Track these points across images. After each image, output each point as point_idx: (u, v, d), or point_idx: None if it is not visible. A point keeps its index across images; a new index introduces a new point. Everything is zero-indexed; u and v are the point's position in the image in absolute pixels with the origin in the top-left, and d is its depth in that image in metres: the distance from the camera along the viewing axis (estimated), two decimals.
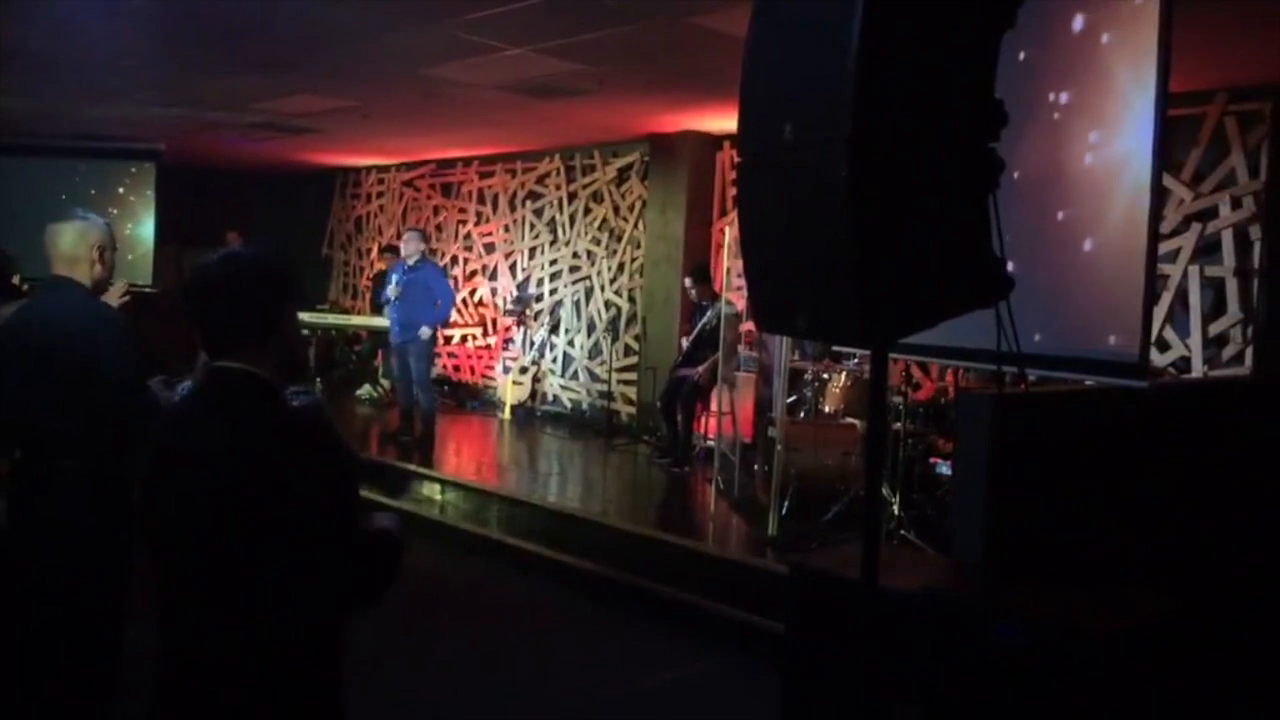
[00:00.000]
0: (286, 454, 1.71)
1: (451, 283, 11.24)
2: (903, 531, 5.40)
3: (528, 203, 11.02)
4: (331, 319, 11.22)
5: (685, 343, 8.05)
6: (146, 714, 1.79)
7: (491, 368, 11.44)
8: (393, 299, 8.35)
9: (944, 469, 6.05)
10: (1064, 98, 3.51)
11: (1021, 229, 3.47)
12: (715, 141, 9.24)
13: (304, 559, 1.70)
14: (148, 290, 11.12)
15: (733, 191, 8.92)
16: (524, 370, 10.55)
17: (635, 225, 9.89)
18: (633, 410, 9.79)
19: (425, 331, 8.22)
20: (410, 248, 8.32)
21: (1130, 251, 3.26)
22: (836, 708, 2.66)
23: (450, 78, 7.33)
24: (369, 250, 13.17)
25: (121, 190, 11.31)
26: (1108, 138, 3.37)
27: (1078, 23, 3.46)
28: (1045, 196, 3.53)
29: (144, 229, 11.28)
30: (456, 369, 11.88)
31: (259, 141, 10.83)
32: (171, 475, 1.76)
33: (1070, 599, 2.54)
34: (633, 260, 9.91)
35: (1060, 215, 3.53)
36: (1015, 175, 3.58)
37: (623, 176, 10.06)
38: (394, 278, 8.43)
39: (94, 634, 2.99)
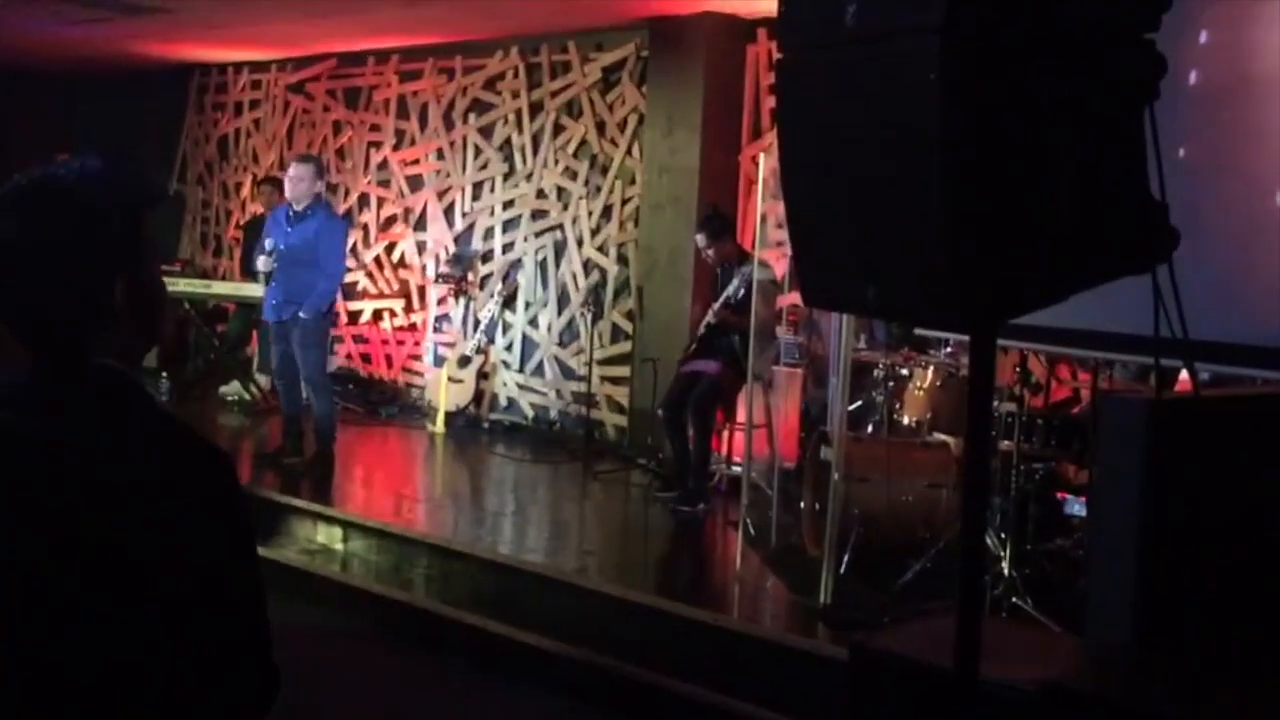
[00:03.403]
0: (185, 483, 1.69)
1: (356, 238, 11.24)
2: (1015, 599, 5.41)
3: (471, 117, 11.00)
4: (184, 286, 11.20)
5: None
6: None
7: (418, 357, 11.43)
8: (263, 270, 8.29)
9: (1076, 508, 6.06)
10: None
11: (1191, 164, 3.47)
12: (745, 27, 9.23)
13: (189, 645, 1.66)
14: None
15: (771, 102, 8.91)
16: (464, 362, 10.56)
17: (628, 151, 9.89)
18: (623, 421, 9.80)
19: (306, 316, 8.17)
20: (299, 187, 8.25)
21: None
22: None
23: None
24: (239, 186, 13.16)
25: None
26: None
27: None
28: (1227, 118, 3.54)
29: None
30: (366, 359, 11.87)
31: (77, 25, 10.79)
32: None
33: (1256, 699, 2.55)
34: (625, 202, 9.92)
35: (1249, 147, 3.53)
36: (1184, 83, 3.58)
37: (610, 80, 10.05)
38: (269, 238, 8.34)
39: None
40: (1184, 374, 4.57)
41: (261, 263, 8.31)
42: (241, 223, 12.65)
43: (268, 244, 8.32)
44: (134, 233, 1.78)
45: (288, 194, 8.34)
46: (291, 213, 8.28)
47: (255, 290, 9.62)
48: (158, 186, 1.81)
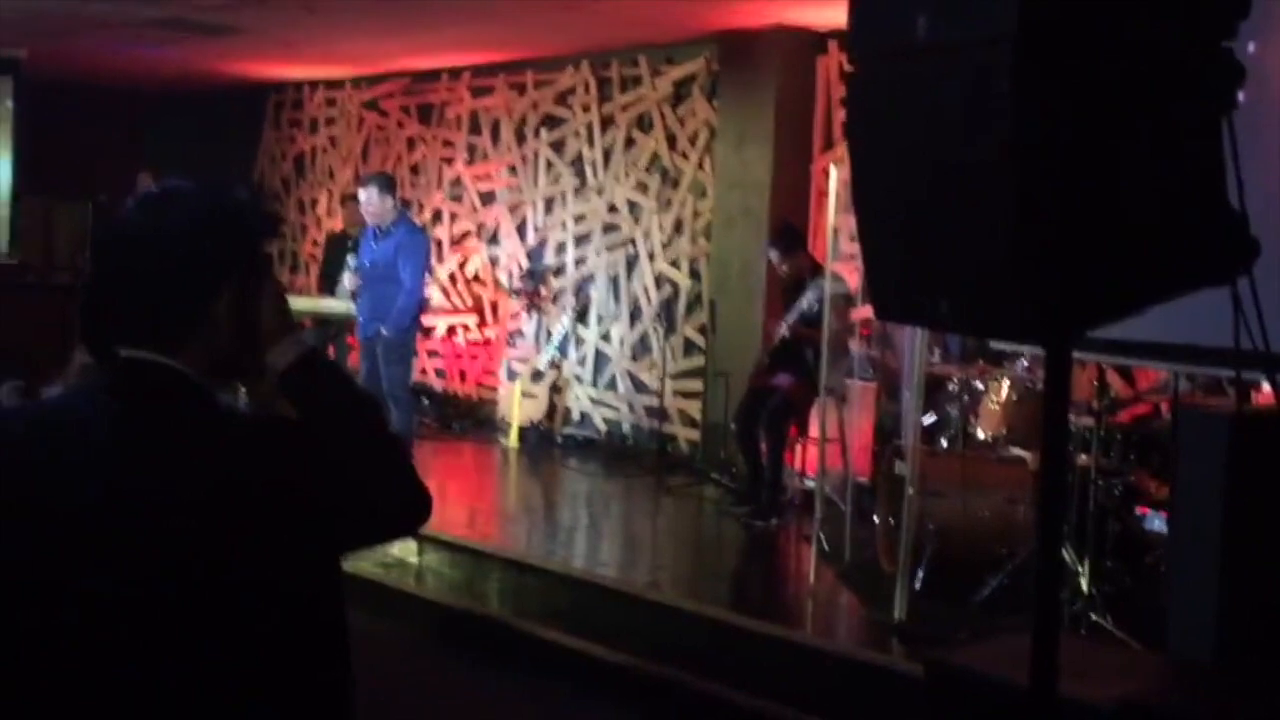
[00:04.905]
0: (252, 479, 1.77)
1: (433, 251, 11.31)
2: (1094, 615, 5.35)
3: (542, 132, 11.07)
4: None
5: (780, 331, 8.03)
6: None
7: (492, 372, 11.50)
8: (350, 287, 8.36)
9: (1156, 524, 5.98)
10: None
11: (1272, 169, 3.41)
12: (816, 39, 9.22)
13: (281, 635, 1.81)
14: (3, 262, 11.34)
15: (842, 115, 8.87)
16: (538, 376, 10.61)
17: (699, 164, 9.90)
18: (696, 435, 9.79)
19: (388, 332, 8.23)
20: (370, 211, 8.27)
21: None
22: None
23: None
24: (315, 202, 13.32)
25: None
26: None
27: None
28: None
29: None
30: (440, 374, 11.96)
31: (158, 47, 10.99)
32: (51, 517, 1.73)
33: None
34: (695, 216, 9.93)
35: None
36: (1261, 92, 3.53)
37: (681, 93, 10.07)
38: (351, 259, 8.41)
39: None
40: (1265, 387, 4.49)
41: (347, 280, 8.40)
42: (319, 239, 12.79)
43: (351, 261, 8.42)
44: (248, 250, 1.90)
45: (366, 213, 8.40)
46: (378, 230, 8.38)
47: (332, 305, 9.73)
48: (278, 218, 1.89)
